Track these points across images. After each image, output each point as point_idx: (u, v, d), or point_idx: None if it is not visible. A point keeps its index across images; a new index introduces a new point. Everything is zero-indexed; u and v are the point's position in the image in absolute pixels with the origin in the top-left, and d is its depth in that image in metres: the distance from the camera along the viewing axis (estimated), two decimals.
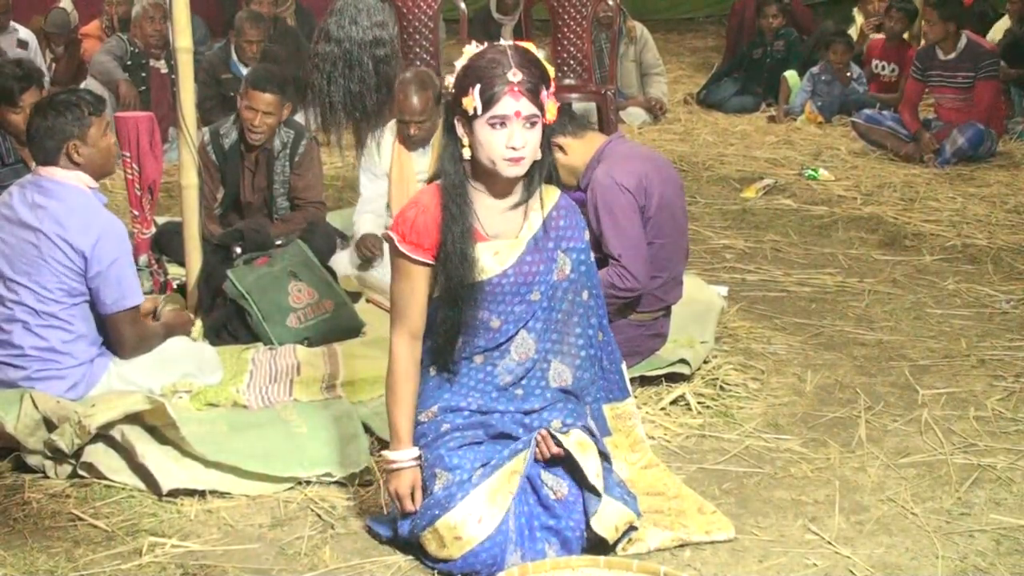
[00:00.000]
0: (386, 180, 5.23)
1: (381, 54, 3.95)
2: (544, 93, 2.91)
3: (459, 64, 2.94)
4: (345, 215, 6.08)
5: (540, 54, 2.96)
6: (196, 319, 4.43)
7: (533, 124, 2.90)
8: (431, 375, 3.11)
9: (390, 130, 5.21)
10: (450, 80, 2.96)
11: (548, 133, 3.00)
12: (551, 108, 2.93)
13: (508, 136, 2.88)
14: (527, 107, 2.87)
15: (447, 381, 3.09)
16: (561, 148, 3.97)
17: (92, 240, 3.63)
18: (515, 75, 2.85)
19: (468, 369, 3.08)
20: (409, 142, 5.10)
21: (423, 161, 5.16)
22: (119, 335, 3.76)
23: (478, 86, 2.86)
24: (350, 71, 3.89)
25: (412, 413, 3.07)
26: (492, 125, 2.88)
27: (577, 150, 4.03)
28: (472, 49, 2.94)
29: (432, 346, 3.08)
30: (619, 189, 3.90)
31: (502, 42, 2.95)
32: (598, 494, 2.95)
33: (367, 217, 5.28)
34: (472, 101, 2.87)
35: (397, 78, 5.04)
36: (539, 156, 2.96)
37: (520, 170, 2.93)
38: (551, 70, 2.96)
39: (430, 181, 3.12)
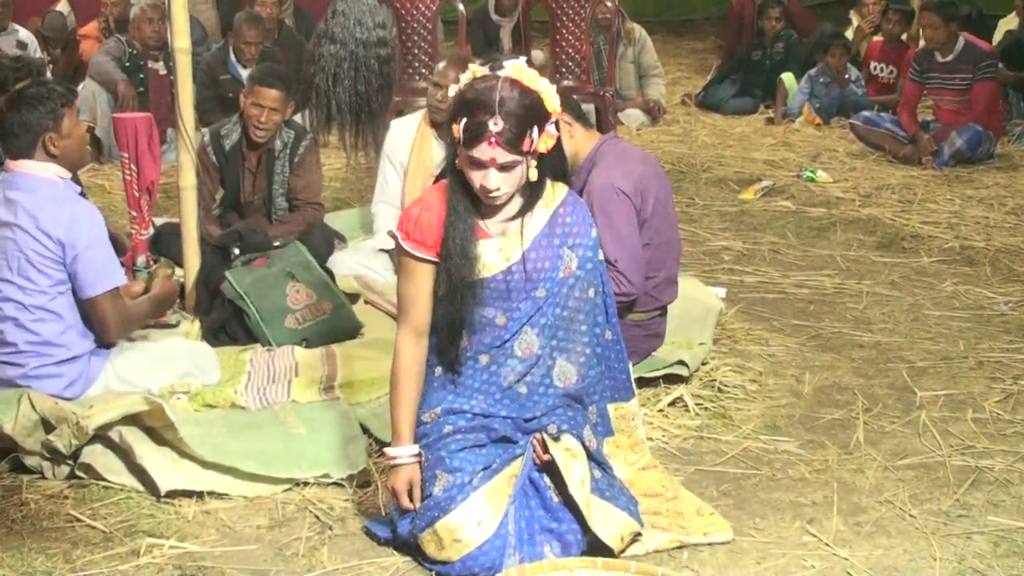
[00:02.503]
0: (402, 171, 5.26)
1: (384, 54, 3.96)
2: (532, 136, 2.89)
3: (462, 81, 2.95)
4: (344, 216, 6.10)
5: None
6: (194, 319, 4.43)
7: (512, 168, 2.91)
8: (436, 375, 3.11)
9: (411, 121, 5.24)
10: (454, 89, 2.96)
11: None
12: (545, 141, 2.93)
13: (483, 176, 2.91)
14: (503, 156, 2.88)
15: (451, 382, 3.09)
16: (569, 127, 3.95)
17: (65, 226, 3.62)
18: (496, 124, 2.84)
19: (473, 370, 3.08)
20: (435, 113, 5.08)
21: (443, 154, 5.18)
22: (102, 317, 3.74)
23: (464, 120, 2.87)
24: (355, 72, 3.89)
25: (414, 410, 3.08)
26: (470, 160, 2.90)
27: (580, 139, 4.03)
28: (476, 69, 2.93)
29: (436, 344, 3.09)
30: (616, 193, 3.91)
31: (507, 67, 2.89)
32: (577, 507, 2.94)
33: (386, 208, 5.31)
34: (457, 131, 2.89)
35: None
36: (532, 178, 2.97)
37: (498, 202, 2.98)
38: (550, 103, 2.93)
39: (437, 179, 3.13)
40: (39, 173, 3.70)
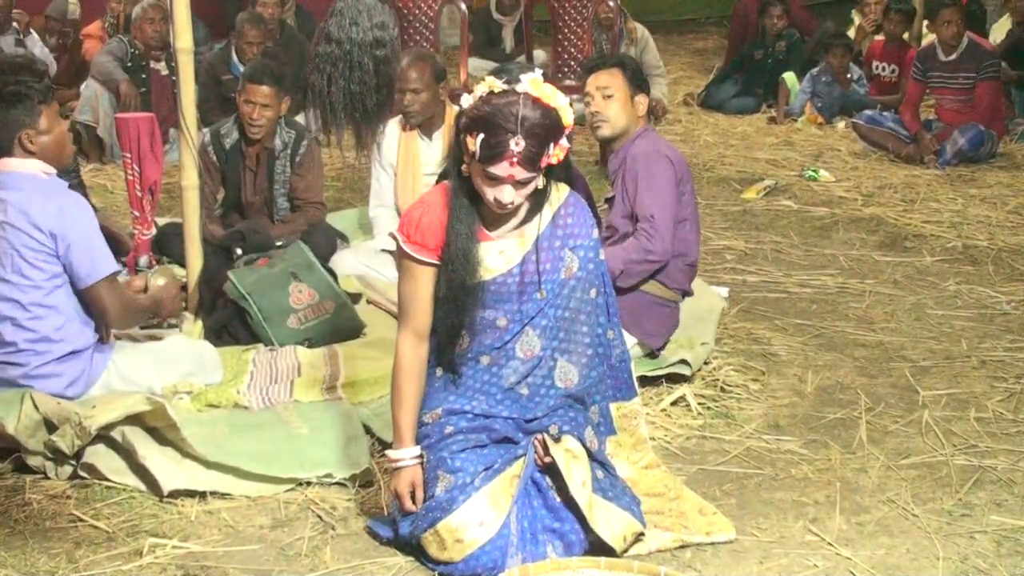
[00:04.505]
0: (392, 173, 5.27)
1: (381, 55, 3.96)
2: (549, 153, 2.90)
3: (477, 93, 2.92)
4: (346, 216, 6.10)
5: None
6: (196, 318, 4.43)
7: (528, 183, 2.92)
8: (437, 376, 3.11)
9: (395, 123, 5.24)
10: (467, 99, 2.94)
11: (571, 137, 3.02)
12: (558, 154, 2.94)
13: (498, 191, 2.91)
14: (521, 174, 2.88)
15: (452, 383, 3.09)
16: (642, 105, 4.17)
17: (54, 216, 3.62)
18: (518, 144, 2.83)
19: (474, 371, 3.08)
20: (407, 117, 5.13)
21: (430, 153, 5.19)
22: (101, 305, 3.73)
23: (481, 136, 2.85)
24: (351, 72, 3.89)
25: (415, 412, 3.08)
26: (486, 175, 2.90)
27: (641, 121, 4.19)
28: (492, 83, 2.90)
29: (436, 345, 3.09)
30: (662, 157, 4.08)
31: (524, 82, 2.87)
32: (578, 507, 2.94)
33: (383, 212, 5.32)
34: (473, 145, 2.87)
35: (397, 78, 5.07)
36: (540, 187, 2.98)
37: (507, 211, 2.98)
38: (567, 117, 2.92)
39: (439, 180, 3.13)
40: (23, 170, 3.69)
